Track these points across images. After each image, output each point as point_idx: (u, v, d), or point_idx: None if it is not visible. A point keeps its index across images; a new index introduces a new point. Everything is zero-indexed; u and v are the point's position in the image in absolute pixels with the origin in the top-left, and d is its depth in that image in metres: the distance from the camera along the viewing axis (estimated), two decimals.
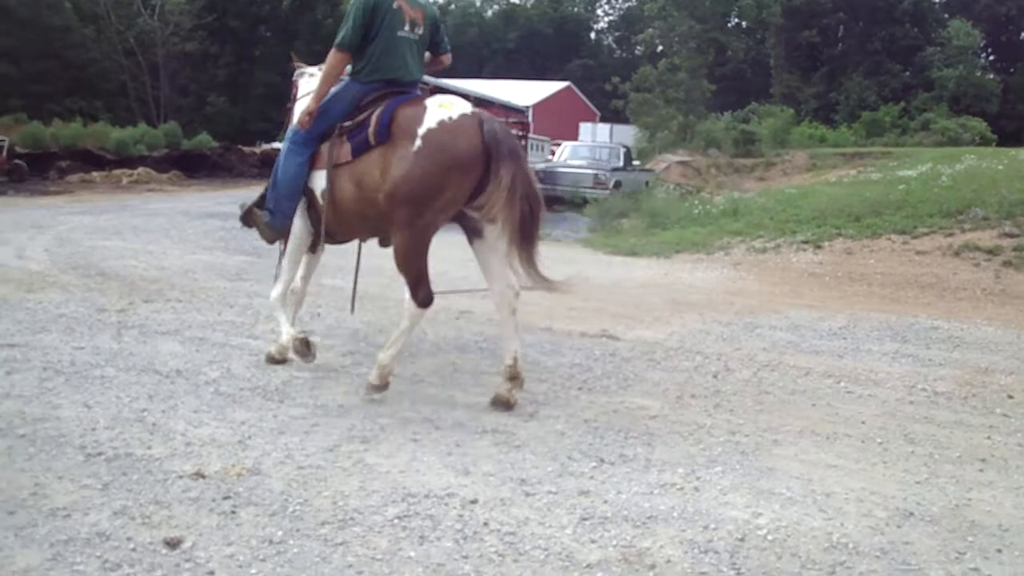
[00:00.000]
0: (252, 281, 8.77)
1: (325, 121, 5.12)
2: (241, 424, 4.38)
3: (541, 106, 51.31)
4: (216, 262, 10.11)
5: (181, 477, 3.68)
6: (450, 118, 4.63)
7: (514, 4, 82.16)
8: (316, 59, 6.70)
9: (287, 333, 5.54)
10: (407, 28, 5.10)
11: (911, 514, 3.59)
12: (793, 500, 3.67)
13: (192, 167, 30.21)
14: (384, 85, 5.09)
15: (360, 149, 4.88)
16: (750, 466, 4.05)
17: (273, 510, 3.40)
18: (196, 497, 3.49)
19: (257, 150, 37.88)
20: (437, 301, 7.84)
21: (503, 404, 4.81)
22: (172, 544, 3.10)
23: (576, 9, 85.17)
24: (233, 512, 3.37)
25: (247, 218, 5.76)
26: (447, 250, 8.17)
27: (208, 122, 43.73)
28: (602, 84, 46.04)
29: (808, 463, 4.14)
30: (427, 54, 5.49)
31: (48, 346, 5.77)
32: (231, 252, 11.08)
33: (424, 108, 4.75)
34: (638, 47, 55.65)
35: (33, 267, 9.31)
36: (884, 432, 4.69)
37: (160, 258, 10.31)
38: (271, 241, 5.73)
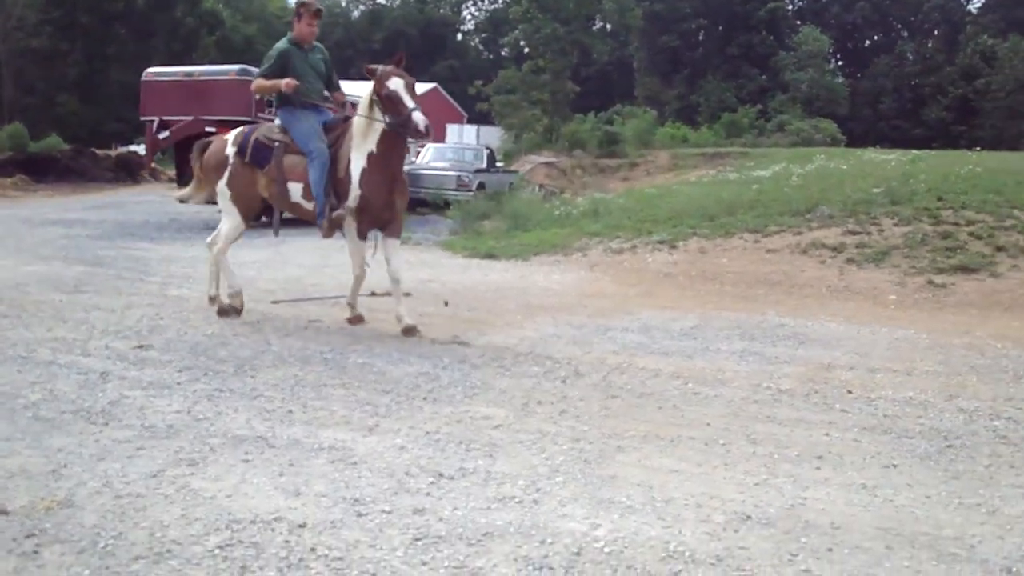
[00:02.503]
0: (91, 293, 8.31)
1: None
2: (58, 451, 4.07)
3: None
4: (53, 273, 9.54)
5: None
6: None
7: (380, 5, 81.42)
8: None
9: None
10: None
11: (748, 517, 3.60)
12: (633, 509, 3.63)
13: (40, 171, 28.59)
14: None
15: None
16: (592, 475, 4.01)
17: (82, 547, 3.14)
18: None
19: (112, 153, 36.32)
20: (287, 309, 7.67)
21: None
22: None
23: (442, 11, 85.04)
24: (36, 552, 3.10)
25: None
26: (302, 257, 8.03)
27: (58, 123, 41.60)
28: (469, 86, 46.03)
29: (650, 469, 4.13)
30: None
31: None
32: (71, 262, 10.49)
33: None
34: (504, 49, 55.93)
35: None
36: (727, 433, 4.73)
37: None
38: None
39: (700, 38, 63.58)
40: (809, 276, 10.13)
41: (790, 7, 66.06)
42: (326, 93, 7.42)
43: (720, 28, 62.14)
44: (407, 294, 7.56)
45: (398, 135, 6.67)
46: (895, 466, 4.30)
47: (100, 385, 5.20)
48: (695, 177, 26.39)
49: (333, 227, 6.91)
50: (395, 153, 6.88)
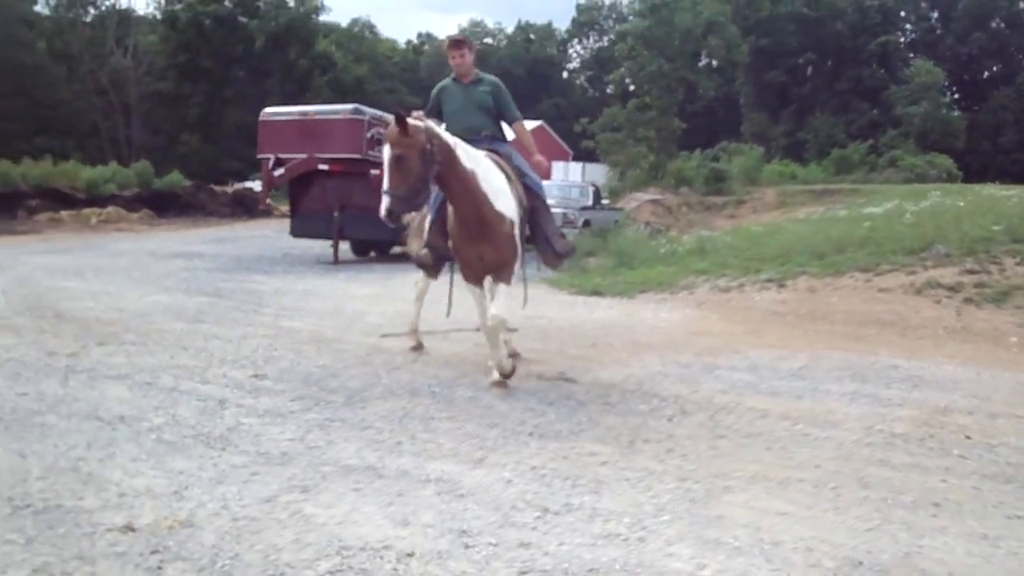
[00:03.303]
0: (210, 323, 8.65)
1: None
2: (179, 473, 4.26)
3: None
4: (175, 303, 9.98)
5: (110, 530, 3.55)
6: None
7: (487, 44, 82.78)
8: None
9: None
10: None
11: (860, 563, 3.51)
12: (740, 550, 3.59)
13: (163, 206, 30.05)
14: None
15: None
16: (698, 514, 3.97)
17: (201, 565, 3.28)
18: (123, 552, 3.37)
19: (229, 189, 37.77)
20: (395, 343, 7.82)
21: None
22: None
23: (548, 50, 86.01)
24: (159, 568, 3.25)
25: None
26: (409, 291, 8.18)
27: (180, 161, 43.61)
28: (574, 123, 46.29)
29: (758, 510, 4.06)
30: None
31: None
32: (192, 293, 10.95)
33: None
34: (609, 86, 56.11)
35: None
36: (838, 476, 4.62)
37: (119, 299, 10.18)
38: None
39: (808, 73, 62.50)
40: (924, 317, 9.80)
41: (902, 40, 64.47)
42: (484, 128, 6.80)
43: (829, 62, 61.06)
44: (512, 330, 7.61)
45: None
46: (1020, 517, 4.12)
47: (219, 412, 5.42)
48: (803, 214, 25.90)
49: (419, 265, 7.02)
50: (459, 208, 6.13)
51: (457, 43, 6.83)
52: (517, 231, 6.21)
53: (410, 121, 5.55)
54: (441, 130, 5.98)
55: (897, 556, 3.60)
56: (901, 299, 10.38)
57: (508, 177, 6.29)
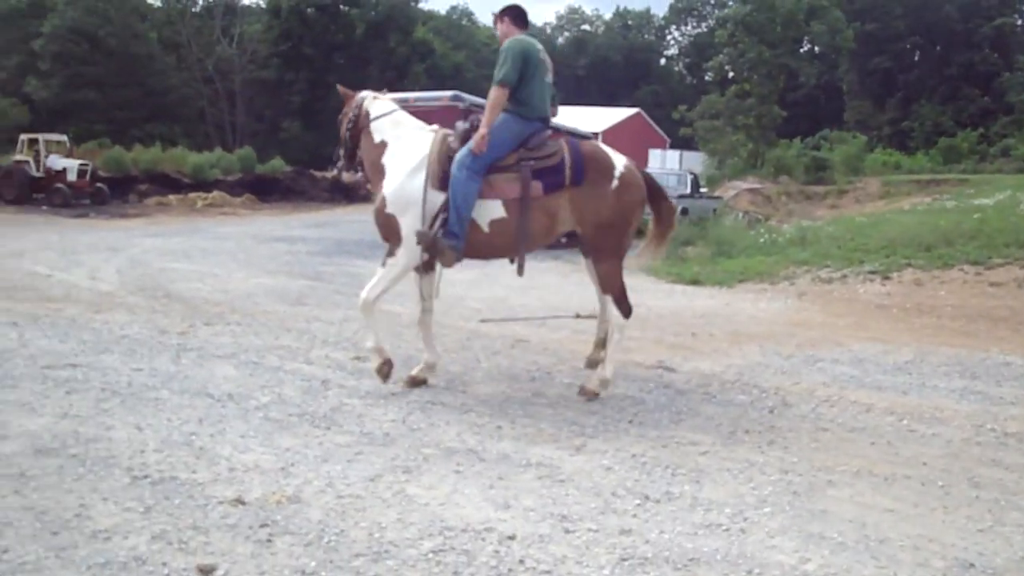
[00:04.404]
0: (312, 306, 8.86)
1: (494, 151, 5.58)
2: (286, 450, 4.38)
3: (611, 132, 51.20)
4: (278, 286, 10.25)
5: (221, 503, 3.68)
6: (628, 163, 5.78)
7: (585, 31, 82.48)
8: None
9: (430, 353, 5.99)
10: (549, 77, 5.87)
11: (972, 565, 3.41)
12: (844, 546, 3.52)
13: (265, 191, 30.79)
14: (541, 123, 5.77)
15: (553, 187, 5.54)
16: (801, 507, 3.91)
17: (309, 540, 3.37)
18: (234, 524, 3.48)
19: (328, 175, 38.46)
20: (494, 328, 7.88)
21: (587, 393, 5.66)
22: (205, 571, 3.09)
23: (646, 36, 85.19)
24: (269, 540, 3.35)
25: (429, 241, 5.63)
26: (508, 278, 8.23)
27: (282, 147, 44.63)
28: (672, 111, 45.80)
29: (863, 506, 3.98)
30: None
31: (108, 367, 5.88)
32: (294, 276, 11.22)
33: (607, 153, 5.76)
34: (708, 73, 55.30)
35: (103, 288, 9.56)
36: (947, 475, 4.49)
37: (225, 281, 10.50)
38: (451, 265, 5.77)
39: (915, 59, 60.45)
40: None
41: (1019, 22, 61.71)
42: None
43: (938, 48, 58.90)
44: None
45: None
46: None
47: (322, 392, 5.55)
48: (908, 205, 25.16)
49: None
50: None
51: (496, 14, 6.31)
52: (392, 213, 5.72)
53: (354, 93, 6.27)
54: (376, 103, 6.20)
55: (1012, 560, 3.49)
56: (1015, 293, 10.01)
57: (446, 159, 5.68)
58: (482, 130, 5.53)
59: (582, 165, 5.55)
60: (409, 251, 5.69)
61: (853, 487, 4.23)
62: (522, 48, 5.64)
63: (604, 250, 5.69)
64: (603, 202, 5.54)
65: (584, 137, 22.55)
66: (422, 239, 5.62)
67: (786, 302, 10.49)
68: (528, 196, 5.51)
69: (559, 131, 5.68)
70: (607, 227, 5.59)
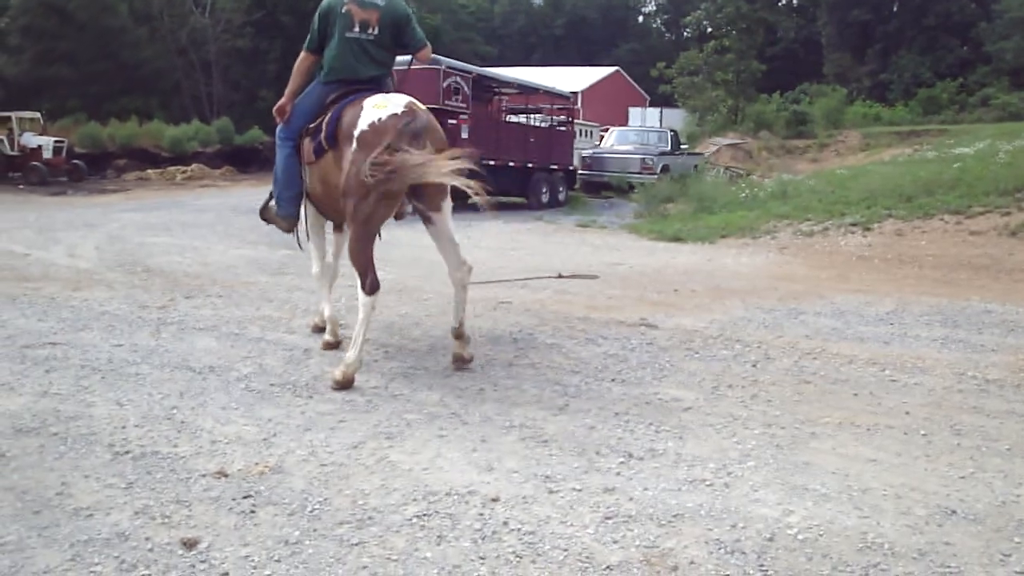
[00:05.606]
0: (293, 275, 8.81)
1: (298, 119, 5.57)
2: (268, 421, 4.36)
3: (590, 92, 51.00)
4: (259, 257, 10.19)
5: (204, 476, 3.66)
6: (379, 119, 4.88)
7: None
8: None
9: (326, 309, 6.08)
10: (356, 29, 5.40)
11: (953, 512, 3.43)
12: (827, 497, 3.53)
13: (244, 162, 30.62)
14: (341, 85, 5.42)
15: (318, 152, 5.33)
16: (784, 461, 3.92)
17: (292, 509, 3.36)
18: (217, 496, 3.46)
19: None
20: (476, 291, 7.86)
21: (460, 360, 5.42)
22: (189, 545, 3.07)
23: None
24: (252, 512, 3.34)
25: (265, 213, 5.94)
26: (489, 240, 8.22)
27: (259, 117, 43.99)
28: (651, 68, 45.52)
29: (846, 457, 3.99)
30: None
31: (88, 344, 5.82)
32: (275, 247, 11.13)
33: (360, 110, 5.02)
34: (686, 30, 54.98)
35: (82, 265, 9.46)
36: (929, 423, 4.51)
37: (205, 254, 10.42)
38: (288, 230, 5.92)
39: (894, 10, 60.09)
40: (1018, 260, 9.46)
41: None
42: None
43: None
44: (594, 276, 7.56)
45: None
46: None
47: (304, 361, 5.53)
48: (889, 156, 25.17)
49: None
50: None
51: None
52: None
53: None
54: None
55: (992, 505, 3.51)
56: (995, 242, 10.06)
57: None
58: (283, 102, 5.61)
59: (333, 128, 5.15)
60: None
61: (836, 439, 4.25)
62: (322, 7, 5.46)
63: (349, 217, 5.03)
64: (342, 165, 5.02)
65: (563, 96, 22.43)
66: (261, 210, 5.92)
67: (768, 256, 10.51)
68: (304, 160, 5.56)
69: (370, 92, 5.15)
70: (344, 192, 4.98)
